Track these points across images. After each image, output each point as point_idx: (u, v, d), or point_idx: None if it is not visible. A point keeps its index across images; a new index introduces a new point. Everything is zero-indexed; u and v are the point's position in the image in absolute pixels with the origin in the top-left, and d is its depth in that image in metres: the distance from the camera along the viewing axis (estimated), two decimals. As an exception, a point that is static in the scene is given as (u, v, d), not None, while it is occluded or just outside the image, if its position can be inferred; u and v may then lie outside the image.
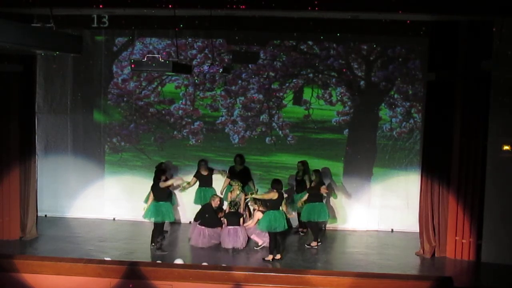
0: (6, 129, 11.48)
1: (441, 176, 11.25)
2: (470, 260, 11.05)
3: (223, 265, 9.72)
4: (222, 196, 12.41)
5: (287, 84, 13.20)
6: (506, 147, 10.75)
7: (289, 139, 13.28)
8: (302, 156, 12.95)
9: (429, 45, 11.40)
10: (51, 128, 13.55)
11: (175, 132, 13.50)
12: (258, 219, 11.22)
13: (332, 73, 13.09)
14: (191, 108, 13.40)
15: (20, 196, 11.76)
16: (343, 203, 13.18)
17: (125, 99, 13.51)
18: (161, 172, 11.79)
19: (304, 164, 12.51)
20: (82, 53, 7.55)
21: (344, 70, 13.03)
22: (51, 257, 9.17)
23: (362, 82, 13.06)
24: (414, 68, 12.85)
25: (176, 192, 12.94)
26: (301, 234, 12.64)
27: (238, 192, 11.93)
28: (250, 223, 11.54)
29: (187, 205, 13.08)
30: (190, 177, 12.67)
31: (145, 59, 8.73)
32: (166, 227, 12.06)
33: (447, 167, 11.20)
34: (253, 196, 11.21)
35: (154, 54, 12.64)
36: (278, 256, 10.92)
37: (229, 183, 12.36)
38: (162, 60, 8.68)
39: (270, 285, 8.14)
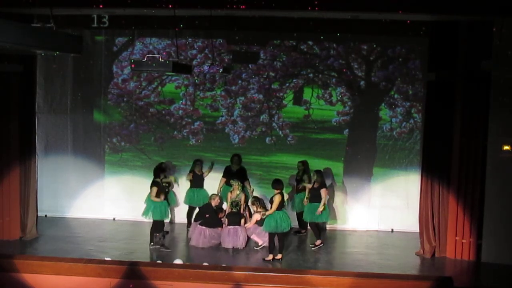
0: (6, 129, 11.47)
1: (441, 176, 11.25)
2: (470, 260, 11.06)
3: (223, 265, 9.73)
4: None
5: (287, 84, 13.20)
6: (506, 147, 10.75)
7: (289, 139, 13.27)
8: (302, 156, 12.95)
9: (429, 45, 11.40)
10: (51, 128, 13.55)
11: (175, 132, 13.49)
12: (257, 220, 11.25)
13: (332, 73, 13.09)
14: (191, 108, 13.40)
15: (20, 196, 11.75)
16: (343, 203, 13.19)
17: (125, 99, 13.51)
18: (160, 171, 11.82)
19: (304, 164, 12.51)
20: (82, 53, 7.53)
21: (344, 70, 13.03)
22: (51, 257, 9.17)
23: (362, 82, 13.05)
24: (414, 68, 12.84)
25: (176, 192, 12.95)
26: (301, 234, 12.63)
27: (238, 192, 11.90)
28: (248, 224, 11.54)
29: (186, 205, 13.07)
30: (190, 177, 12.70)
31: (145, 59, 8.72)
32: (166, 227, 12.06)
33: (447, 167, 11.20)
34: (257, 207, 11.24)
35: (154, 54, 12.64)
36: (278, 256, 10.91)
37: (225, 182, 12.38)
38: (162, 60, 8.67)
39: (270, 285, 8.14)
